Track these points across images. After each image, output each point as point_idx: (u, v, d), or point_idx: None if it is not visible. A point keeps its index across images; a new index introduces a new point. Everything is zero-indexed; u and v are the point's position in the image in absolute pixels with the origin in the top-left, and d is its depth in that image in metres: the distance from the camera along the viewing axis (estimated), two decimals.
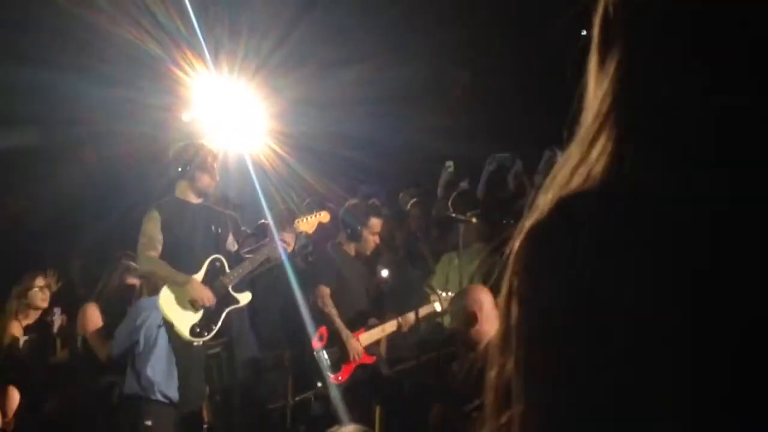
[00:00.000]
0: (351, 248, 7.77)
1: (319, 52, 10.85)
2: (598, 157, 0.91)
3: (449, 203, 8.61)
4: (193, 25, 9.80)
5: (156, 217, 6.98)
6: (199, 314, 6.91)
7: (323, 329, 7.40)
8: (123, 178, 10.90)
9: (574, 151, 0.94)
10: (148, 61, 10.02)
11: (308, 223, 7.36)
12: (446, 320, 8.01)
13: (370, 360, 7.34)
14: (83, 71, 9.95)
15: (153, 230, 6.97)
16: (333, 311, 7.39)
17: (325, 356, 7.27)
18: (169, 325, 6.90)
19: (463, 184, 9.32)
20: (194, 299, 6.88)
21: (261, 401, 7.56)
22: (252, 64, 10.44)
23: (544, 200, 0.91)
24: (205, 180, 7.18)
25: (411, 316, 7.48)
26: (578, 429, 0.83)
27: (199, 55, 10.01)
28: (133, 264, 8.08)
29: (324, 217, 7.45)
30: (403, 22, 11.13)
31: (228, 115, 10.06)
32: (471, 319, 5.68)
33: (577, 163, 0.92)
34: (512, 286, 0.89)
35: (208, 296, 6.90)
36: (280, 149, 9.84)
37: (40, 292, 8.34)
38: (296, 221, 7.36)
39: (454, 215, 8.16)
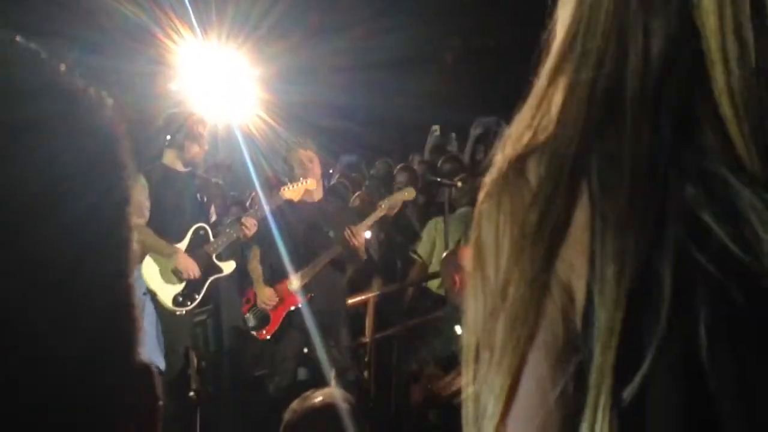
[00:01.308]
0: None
1: (307, 20, 10.85)
2: (544, 114, 0.91)
3: (436, 168, 8.62)
4: None
5: (143, 183, 6.96)
6: (182, 284, 6.92)
7: (251, 292, 7.36)
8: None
9: (528, 103, 0.92)
10: (136, 29, 10.01)
11: (294, 191, 7.35)
12: (433, 285, 8.05)
13: (293, 303, 7.23)
14: (70, 40, 9.93)
15: (140, 197, 6.95)
16: (252, 268, 7.34)
17: (251, 317, 7.27)
18: (152, 294, 6.91)
19: (450, 149, 9.35)
20: (178, 270, 6.90)
21: (248, 368, 7.61)
22: (240, 33, 10.44)
23: (501, 157, 0.91)
24: (194, 149, 7.16)
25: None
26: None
27: (187, 24, 9.99)
28: None
29: (311, 184, 7.42)
30: None
31: (216, 83, 10.06)
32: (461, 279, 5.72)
33: (529, 119, 0.92)
34: (471, 240, 0.91)
35: (192, 268, 6.90)
36: (268, 117, 9.87)
37: None
38: (282, 189, 7.34)
39: (439, 180, 8.17)
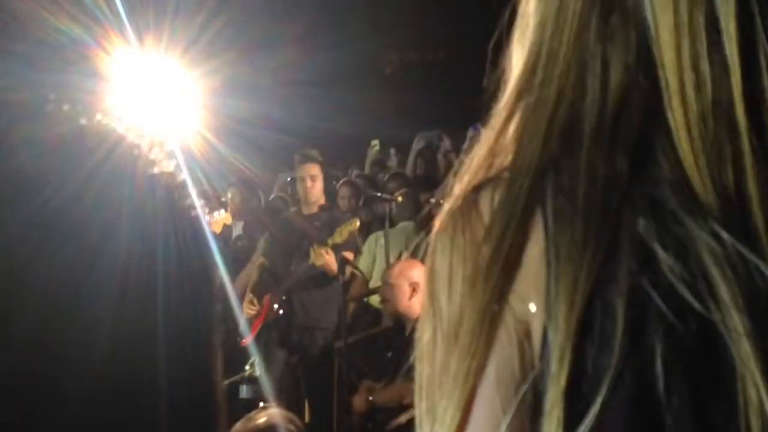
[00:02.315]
0: None
1: (246, 34, 10.81)
2: (502, 145, 0.90)
3: (376, 182, 8.63)
4: (116, 5, 9.67)
5: None
6: None
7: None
8: (43, 164, 10.75)
9: (486, 134, 0.92)
10: (70, 43, 9.89)
11: (214, 223, 7.48)
12: (373, 300, 8.06)
13: (269, 316, 7.28)
14: (2, 53, 9.79)
15: None
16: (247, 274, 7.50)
17: (242, 321, 7.34)
18: None
19: (390, 163, 9.36)
20: None
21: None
22: (178, 47, 10.34)
23: (458, 187, 0.91)
24: None
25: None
26: None
27: (124, 37, 9.87)
28: None
29: (227, 218, 7.59)
30: (332, 3, 11.14)
31: (154, 98, 9.95)
32: (408, 291, 5.71)
33: (488, 150, 0.91)
34: (425, 270, 0.91)
35: None
36: (208, 133, 9.78)
37: None
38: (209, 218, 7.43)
39: (380, 195, 8.21)
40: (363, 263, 8.19)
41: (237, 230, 9.00)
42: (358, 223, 7.38)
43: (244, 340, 7.24)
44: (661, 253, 0.78)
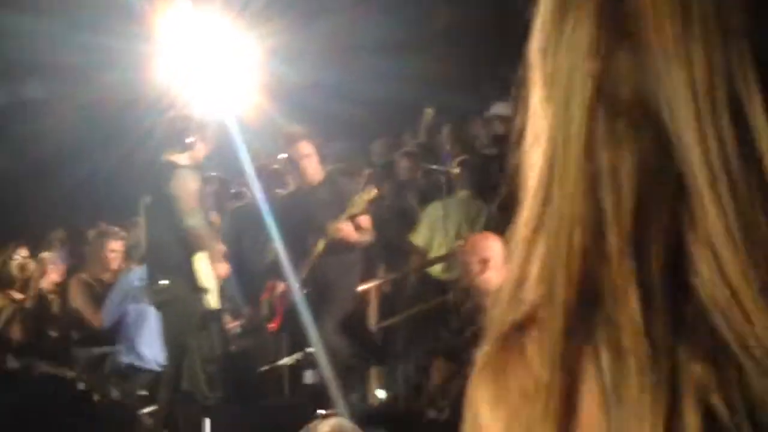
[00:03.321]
0: None
1: (300, 1, 10.69)
2: (529, 273, 0.85)
3: (432, 151, 8.56)
4: None
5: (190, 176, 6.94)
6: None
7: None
8: (100, 127, 10.73)
9: (511, 265, 0.87)
10: (126, 6, 9.79)
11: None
12: (435, 270, 7.95)
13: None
14: (60, 17, 9.73)
15: (192, 186, 6.92)
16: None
17: (264, 305, 7.30)
18: (202, 292, 6.77)
19: (444, 130, 9.25)
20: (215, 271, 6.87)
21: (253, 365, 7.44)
22: (230, 12, 10.22)
23: (492, 325, 0.87)
24: (198, 152, 7.10)
25: None
26: None
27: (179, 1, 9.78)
28: (113, 229, 8.02)
29: None
30: None
31: (207, 61, 9.86)
32: (478, 267, 5.54)
33: (515, 283, 0.86)
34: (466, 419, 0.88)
35: (225, 269, 6.89)
36: (260, 100, 9.66)
37: (22, 263, 8.17)
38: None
39: (435, 167, 8.12)
40: (422, 234, 8.08)
41: None
42: (374, 192, 7.20)
43: (272, 324, 7.18)
44: (722, 411, 0.73)
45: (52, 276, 8.21)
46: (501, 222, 7.56)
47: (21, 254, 8.21)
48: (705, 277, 0.75)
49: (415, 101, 10.20)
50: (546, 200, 0.85)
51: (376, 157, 9.93)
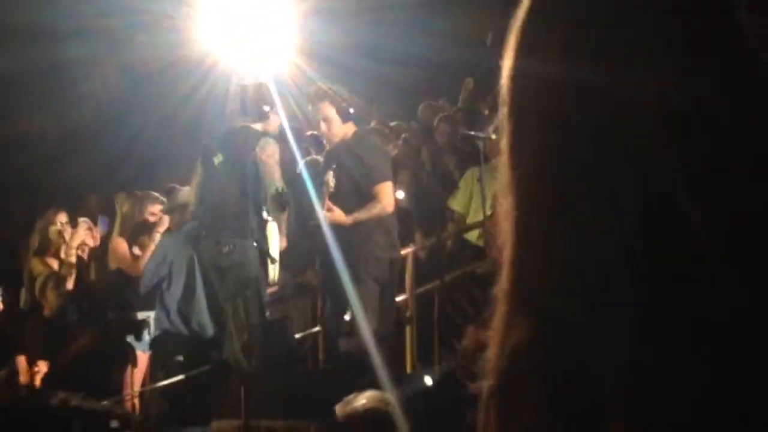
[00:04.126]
0: None
1: None
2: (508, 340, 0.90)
3: (473, 117, 8.45)
4: None
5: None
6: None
7: None
8: (143, 88, 10.76)
9: (491, 337, 0.91)
10: None
11: None
12: (472, 236, 7.92)
13: None
14: None
15: (276, 155, 6.96)
16: None
17: None
18: (270, 261, 6.85)
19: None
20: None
21: (287, 332, 7.46)
22: None
23: (488, 359, 0.91)
24: (274, 123, 7.12)
25: None
26: None
27: None
28: (153, 194, 8.05)
29: None
30: None
31: (245, 23, 9.83)
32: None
33: (501, 327, 0.90)
34: None
35: (285, 241, 7.00)
36: (301, 61, 9.62)
37: (61, 228, 8.22)
38: None
39: (473, 133, 8.01)
40: (459, 200, 8.07)
41: None
42: (331, 176, 6.98)
43: None
44: None
45: (89, 241, 8.25)
46: None
47: (60, 220, 8.25)
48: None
49: (455, 61, 10.06)
50: (518, 287, 0.91)
51: (417, 121, 9.84)
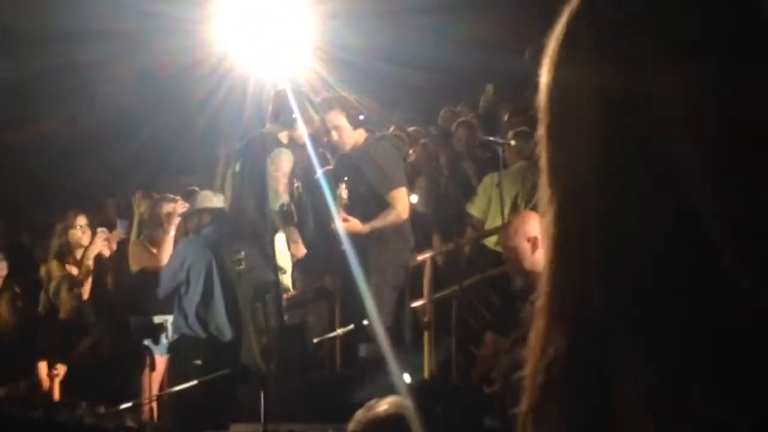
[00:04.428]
0: None
1: None
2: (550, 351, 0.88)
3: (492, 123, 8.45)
4: None
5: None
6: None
7: None
8: (159, 92, 10.78)
9: (536, 327, 0.91)
10: None
11: None
12: (490, 242, 7.91)
13: None
14: None
15: (287, 167, 6.95)
16: None
17: None
18: (278, 271, 6.87)
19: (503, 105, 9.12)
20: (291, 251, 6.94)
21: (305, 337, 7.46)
22: None
23: (526, 376, 0.91)
24: (299, 131, 7.09)
25: None
26: None
27: None
28: (170, 195, 8.06)
29: None
30: None
31: (262, 26, 9.83)
32: (529, 247, 5.48)
33: (539, 342, 0.90)
34: None
35: (302, 250, 6.94)
36: (319, 66, 9.61)
37: (80, 232, 8.25)
38: None
39: (492, 139, 8.02)
40: (478, 205, 8.04)
41: None
42: (344, 188, 6.93)
43: None
44: None
45: (105, 252, 8.27)
46: None
47: (80, 223, 8.28)
48: None
49: (473, 66, 10.06)
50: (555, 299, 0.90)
51: (436, 127, 9.85)
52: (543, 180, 0.91)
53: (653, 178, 0.81)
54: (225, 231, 7.17)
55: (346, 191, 6.77)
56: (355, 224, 6.68)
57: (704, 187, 0.79)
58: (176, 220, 7.85)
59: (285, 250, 6.94)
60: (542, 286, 0.90)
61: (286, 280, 6.97)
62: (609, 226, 0.83)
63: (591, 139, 0.86)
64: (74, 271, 8.10)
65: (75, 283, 7.98)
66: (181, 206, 7.99)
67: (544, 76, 0.91)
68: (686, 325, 0.79)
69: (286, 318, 7.07)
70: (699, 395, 0.78)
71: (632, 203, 0.82)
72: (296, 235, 6.98)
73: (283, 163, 6.91)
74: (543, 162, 0.92)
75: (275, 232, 6.90)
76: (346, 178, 6.88)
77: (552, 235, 0.89)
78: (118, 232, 8.57)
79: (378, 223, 6.72)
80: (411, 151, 8.50)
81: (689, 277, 0.79)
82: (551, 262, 0.89)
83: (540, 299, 0.90)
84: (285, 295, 7.12)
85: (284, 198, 6.82)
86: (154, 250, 7.88)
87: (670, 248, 0.80)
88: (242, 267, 6.86)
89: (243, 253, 6.84)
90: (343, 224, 6.64)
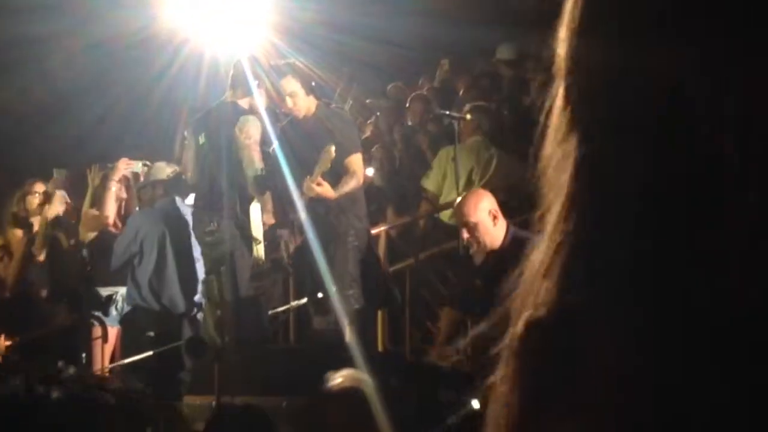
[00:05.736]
0: None
1: None
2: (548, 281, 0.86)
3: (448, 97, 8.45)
4: None
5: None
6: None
7: None
8: (108, 66, 10.65)
9: (537, 254, 0.89)
10: None
11: None
12: (445, 216, 7.93)
13: None
14: None
15: (257, 134, 6.90)
16: None
17: None
18: (253, 241, 6.81)
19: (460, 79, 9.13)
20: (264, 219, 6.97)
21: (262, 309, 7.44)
22: None
23: (515, 312, 0.89)
24: (260, 99, 7.10)
25: None
26: None
27: None
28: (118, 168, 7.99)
29: None
30: None
31: (220, 3, 9.73)
32: (491, 219, 5.53)
33: (538, 276, 0.88)
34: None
35: (272, 218, 7.01)
36: (277, 39, 9.54)
37: (37, 198, 8.20)
38: None
39: (447, 113, 8.02)
40: (433, 179, 8.05)
41: None
42: (333, 149, 6.90)
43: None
44: None
45: (64, 206, 8.24)
46: (510, 168, 7.54)
47: (38, 190, 8.26)
48: None
49: (432, 41, 10.04)
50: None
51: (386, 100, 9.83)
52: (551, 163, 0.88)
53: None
54: (198, 204, 7.13)
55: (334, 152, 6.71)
56: (327, 189, 6.62)
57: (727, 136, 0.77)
58: (117, 175, 7.80)
59: (259, 220, 6.92)
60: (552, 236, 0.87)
61: (260, 251, 6.93)
62: (617, 206, 0.82)
63: (610, 119, 0.82)
64: (30, 235, 8.08)
65: (30, 253, 7.95)
66: (124, 163, 7.93)
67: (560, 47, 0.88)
68: (671, 311, 0.78)
69: (244, 291, 7.04)
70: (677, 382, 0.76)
71: (641, 186, 0.80)
72: (270, 204, 6.98)
73: (253, 131, 6.89)
74: (548, 146, 0.88)
75: (250, 201, 6.88)
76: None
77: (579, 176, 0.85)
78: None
79: (344, 189, 6.69)
80: (367, 123, 8.48)
81: (686, 263, 0.78)
82: (553, 232, 0.87)
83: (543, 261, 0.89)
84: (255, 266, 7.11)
85: (260, 165, 6.80)
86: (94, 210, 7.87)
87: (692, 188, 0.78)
88: (211, 239, 6.84)
89: (215, 224, 6.82)
90: (317, 188, 6.58)
